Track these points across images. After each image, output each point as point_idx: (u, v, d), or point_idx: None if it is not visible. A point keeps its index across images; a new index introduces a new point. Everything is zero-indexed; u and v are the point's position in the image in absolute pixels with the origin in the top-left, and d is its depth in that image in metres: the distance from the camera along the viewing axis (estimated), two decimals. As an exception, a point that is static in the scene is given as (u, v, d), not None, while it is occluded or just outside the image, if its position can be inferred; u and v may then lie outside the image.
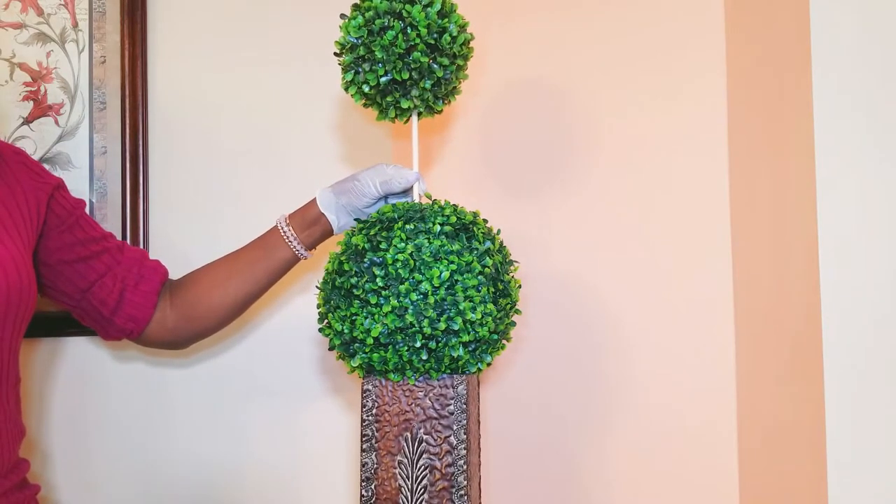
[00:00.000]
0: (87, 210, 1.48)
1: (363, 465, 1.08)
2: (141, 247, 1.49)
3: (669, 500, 1.38)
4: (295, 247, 1.25)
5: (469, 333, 1.04)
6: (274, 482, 1.56)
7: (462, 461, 1.05)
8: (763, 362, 1.27)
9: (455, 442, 1.05)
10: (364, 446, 1.09)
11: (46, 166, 1.47)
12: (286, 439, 1.57)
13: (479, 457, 1.13)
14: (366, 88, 1.10)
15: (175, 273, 1.33)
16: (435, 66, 1.08)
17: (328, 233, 1.26)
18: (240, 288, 1.26)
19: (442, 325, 1.02)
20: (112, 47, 1.50)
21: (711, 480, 1.36)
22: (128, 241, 1.48)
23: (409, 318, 1.02)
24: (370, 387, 1.09)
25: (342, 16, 1.11)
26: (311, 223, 1.25)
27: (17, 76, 1.47)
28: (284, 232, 1.25)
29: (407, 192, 1.21)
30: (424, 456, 1.06)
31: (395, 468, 1.07)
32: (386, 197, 1.22)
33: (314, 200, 1.25)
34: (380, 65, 1.07)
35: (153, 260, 1.30)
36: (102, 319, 1.25)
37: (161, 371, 1.53)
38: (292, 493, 1.56)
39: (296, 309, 1.55)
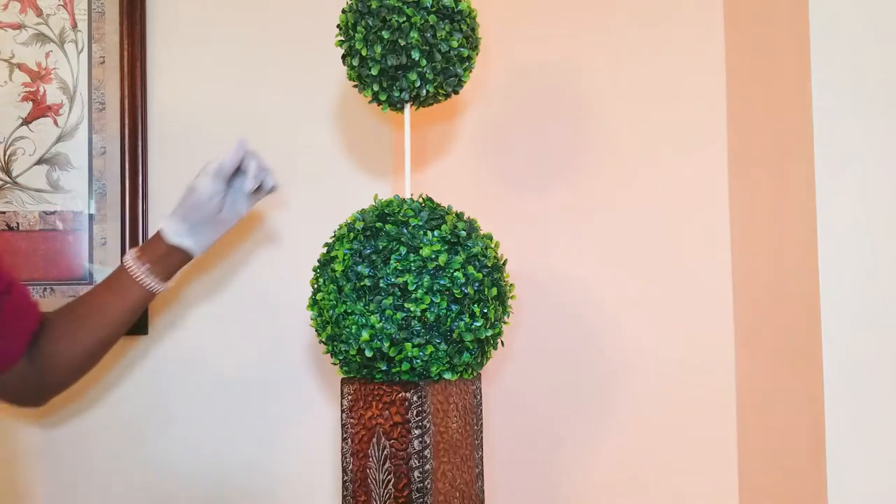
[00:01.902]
0: (86, 212, 1.48)
1: (344, 468, 1.10)
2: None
3: (669, 499, 1.38)
4: (148, 284, 1.16)
5: (454, 341, 1.03)
6: (272, 482, 1.56)
7: (426, 466, 1.04)
8: (763, 362, 1.27)
9: (419, 447, 1.04)
10: (344, 447, 1.10)
11: (45, 167, 1.47)
12: (286, 440, 1.57)
13: (478, 459, 1.12)
14: (366, 72, 1.09)
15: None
16: (437, 49, 1.07)
17: (187, 258, 1.18)
18: (89, 338, 1.15)
19: (426, 332, 1.02)
20: (111, 48, 1.50)
21: (711, 481, 1.35)
22: (127, 242, 1.48)
23: (395, 325, 1.02)
24: (348, 389, 1.09)
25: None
26: (164, 255, 1.16)
27: (16, 77, 1.47)
28: (133, 271, 1.15)
29: (252, 174, 1.15)
30: (390, 461, 1.05)
31: (368, 470, 1.07)
32: (229, 188, 1.16)
33: (159, 234, 1.16)
34: (379, 47, 1.07)
35: (34, 301, 1.16)
36: None
37: (158, 372, 1.53)
38: (292, 492, 1.56)
39: (295, 309, 1.55)
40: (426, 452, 1.04)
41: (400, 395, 1.05)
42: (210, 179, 1.15)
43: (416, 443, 1.04)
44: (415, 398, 1.04)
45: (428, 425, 1.04)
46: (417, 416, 1.04)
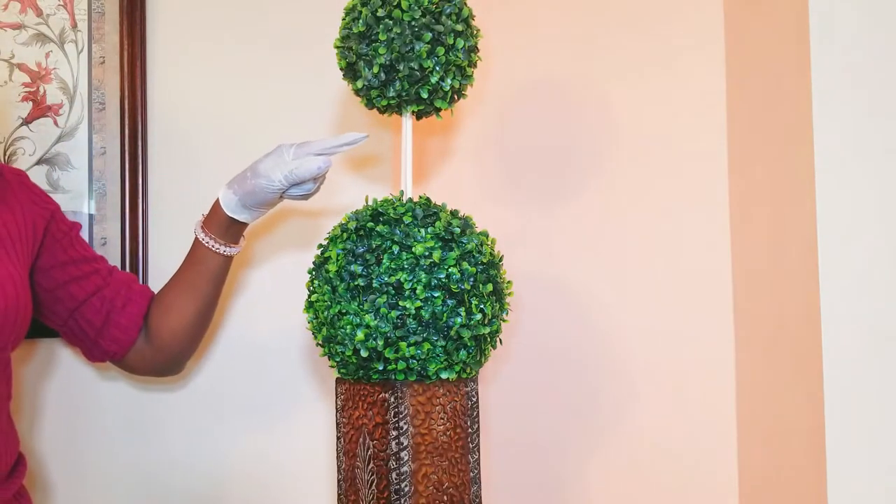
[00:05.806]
0: (86, 212, 1.48)
1: (338, 467, 1.10)
2: (140, 248, 1.49)
3: (670, 499, 1.38)
4: (223, 250, 1.25)
5: (451, 338, 1.03)
6: (271, 482, 1.56)
7: (405, 468, 1.03)
8: (763, 362, 1.27)
9: (396, 448, 1.04)
10: (337, 446, 1.10)
11: (45, 167, 1.47)
12: (285, 439, 1.57)
13: (473, 463, 1.11)
14: (362, 82, 1.09)
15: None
16: (434, 57, 1.07)
17: (246, 224, 1.26)
18: (190, 308, 1.26)
19: (422, 330, 1.02)
20: (111, 48, 1.50)
21: (712, 481, 1.35)
22: (127, 242, 1.48)
23: (390, 323, 1.02)
24: (341, 388, 1.09)
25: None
26: (226, 225, 1.24)
27: (17, 77, 1.47)
28: (206, 241, 1.24)
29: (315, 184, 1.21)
30: (373, 461, 1.05)
31: (356, 470, 1.07)
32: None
33: (219, 204, 1.23)
34: (380, 55, 1.06)
35: (141, 285, 1.30)
36: (88, 340, 1.25)
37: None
38: (292, 492, 1.56)
39: (293, 311, 1.55)
40: (403, 454, 1.03)
41: (381, 395, 1.04)
42: (280, 178, 1.18)
43: (393, 444, 1.03)
44: (392, 399, 1.03)
45: (405, 426, 1.03)
46: (394, 417, 1.03)
